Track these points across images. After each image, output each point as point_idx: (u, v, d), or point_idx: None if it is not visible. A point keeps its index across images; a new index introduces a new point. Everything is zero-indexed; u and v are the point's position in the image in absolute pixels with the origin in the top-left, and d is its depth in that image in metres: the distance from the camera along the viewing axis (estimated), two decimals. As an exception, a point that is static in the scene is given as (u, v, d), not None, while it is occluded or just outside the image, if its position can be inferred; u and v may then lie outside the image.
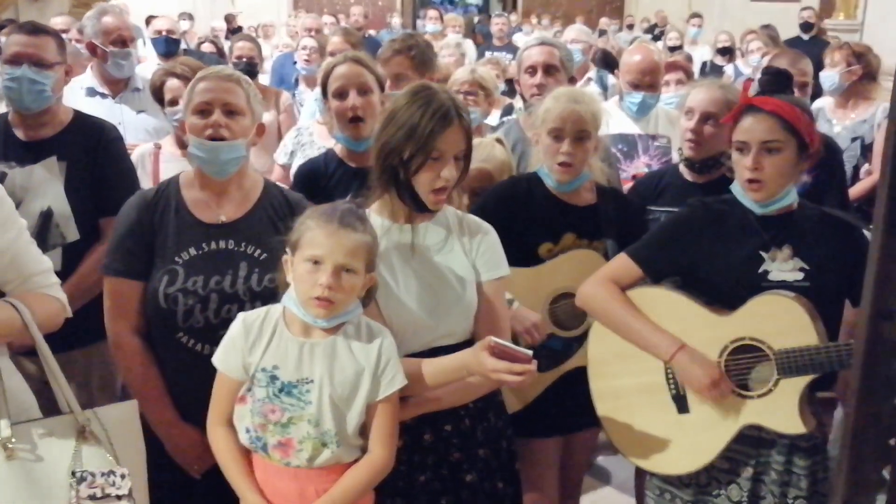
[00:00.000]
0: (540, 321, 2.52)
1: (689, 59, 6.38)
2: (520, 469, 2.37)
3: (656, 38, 10.15)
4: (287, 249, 1.99)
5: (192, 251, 2.26)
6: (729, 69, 8.10)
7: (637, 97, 3.71)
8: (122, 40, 3.96)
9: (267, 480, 1.98)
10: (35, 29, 2.81)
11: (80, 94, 4.01)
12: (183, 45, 9.26)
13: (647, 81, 3.75)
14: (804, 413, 2.18)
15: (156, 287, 2.23)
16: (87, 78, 4.09)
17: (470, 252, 2.19)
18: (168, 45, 5.24)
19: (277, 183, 2.63)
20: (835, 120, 4.51)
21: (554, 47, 3.33)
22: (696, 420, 2.30)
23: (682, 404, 2.32)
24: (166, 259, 2.25)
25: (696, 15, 10.76)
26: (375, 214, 2.17)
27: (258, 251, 2.28)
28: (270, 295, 2.19)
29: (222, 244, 2.27)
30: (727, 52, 8.52)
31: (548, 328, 2.59)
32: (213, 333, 2.17)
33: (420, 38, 3.68)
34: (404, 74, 3.24)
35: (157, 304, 2.23)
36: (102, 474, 1.91)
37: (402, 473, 2.11)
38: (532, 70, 3.29)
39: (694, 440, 2.30)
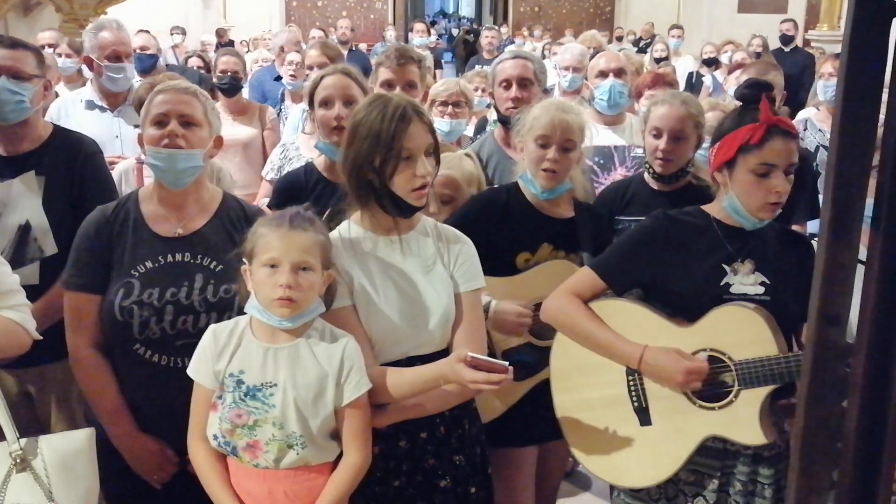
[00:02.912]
0: (521, 312, 2.54)
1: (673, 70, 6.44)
2: (495, 478, 2.40)
3: (642, 51, 10.21)
4: (244, 260, 2.04)
5: (149, 264, 2.29)
6: (708, 80, 8.17)
7: (605, 85, 3.71)
8: (117, 55, 3.99)
9: (238, 482, 2.03)
10: (14, 43, 2.85)
11: (80, 107, 4.05)
12: (171, 60, 9.31)
13: (613, 67, 3.76)
14: (765, 424, 2.19)
15: (112, 300, 2.26)
16: (88, 91, 4.13)
17: (448, 263, 2.22)
18: (143, 62, 5.27)
19: (238, 195, 2.64)
20: (828, 129, 4.51)
21: (528, 60, 3.32)
22: (658, 432, 2.30)
23: (644, 417, 2.33)
24: (122, 272, 2.28)
25: (676, 27, 10.82)
26: (356, 225, 2.20)
27: (214, 263, 2.31)
28: (226, 306, 2.25)
29: (178, 257, 2.31)
30: (712, 63, 8.59)
31: (524, 337, 2.61)
32: (170, 345, 2.24)
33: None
34: (415, 83, 3.26)
35: (113, 316, 2.26)
36: None
37: (377, 479, 2.15)
38: (506, 84, 3.29)
39: (656, 453, 2.30)
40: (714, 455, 2.28)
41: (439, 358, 2.10)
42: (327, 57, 4.66)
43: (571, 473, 3.80)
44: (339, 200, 2.29)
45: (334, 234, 2.19)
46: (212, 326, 2.09)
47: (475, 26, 20.04)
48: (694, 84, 8.21)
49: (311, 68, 4.72)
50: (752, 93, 2.28)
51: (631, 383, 2.34)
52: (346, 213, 2.24)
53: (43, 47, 5.81)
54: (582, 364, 2.40)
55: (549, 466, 2.88)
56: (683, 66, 8.83)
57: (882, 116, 1.17)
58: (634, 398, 2.34)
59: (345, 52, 8.21)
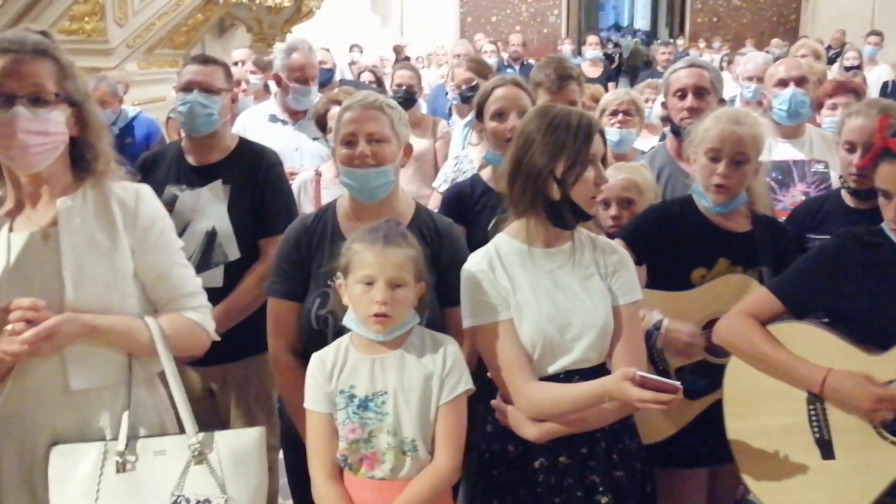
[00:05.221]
0: (692, 340, 2.47)
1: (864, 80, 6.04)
2: (663, 498, 2.33)
3: (831, 61, 9.65)
4: (339, 274, 2.10)
5: None
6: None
7: (786, 94, 3.54)
8: (305, 78, 4.22)
9: (353, 494, 2.06)
10: (206, 59, 3.09)
11: (264, 120, 4.31)
12: (349, 76, 9.68)
13: (794, 76, 3.59)
14: None
15: (309, 308, 2.35)
16: (271, 105, 4.39)
17: (605, 275, 2.19)
18: (320, 76, 5.50)
19: (429, 208, 2.68)
20: None
21: (703, 69, 3.23)
22: (842, 468, 2.15)
23: (826, 450, 2.18)
24: (319, 282, 2.35)
25: (874, 33, 10.14)
26: (511, 238, 2.20)
27: None
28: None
29: None
30: (912, 72, 8.02)
31: (700, 355, 2.51)
32: None
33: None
34: (576, 102, 3.23)
35: (309, 324, 2.34)
36: (198, 501, 1.94)
37: (539, 495, 2.13)
38: (681, 93, 3.20)
39: (839, 489, 2.15)
40: None
41: (598, 373, 2.08)
42: (476, 73, 4.72)
43: (741, 501, 3.63)
44: (505, 210, 2.29)
45: (489, 246, 2.20)
46: (315, 354, 2.15)
47: (638, 39, 19.74)
48: (889, 95, 7.68)
49: (458, 87, 4.80)
50: None
51: (812, 413, 2.20)
52: (504, 224, 2.25)
53: (236, 64, 6.21)
54: (758, 389, 2.28)
55: (719, 491, 2.76)
56: (877, 76, 8.28)
57: None
58: (816, 429, 2.20)
59: (516, 68, 8.29)
